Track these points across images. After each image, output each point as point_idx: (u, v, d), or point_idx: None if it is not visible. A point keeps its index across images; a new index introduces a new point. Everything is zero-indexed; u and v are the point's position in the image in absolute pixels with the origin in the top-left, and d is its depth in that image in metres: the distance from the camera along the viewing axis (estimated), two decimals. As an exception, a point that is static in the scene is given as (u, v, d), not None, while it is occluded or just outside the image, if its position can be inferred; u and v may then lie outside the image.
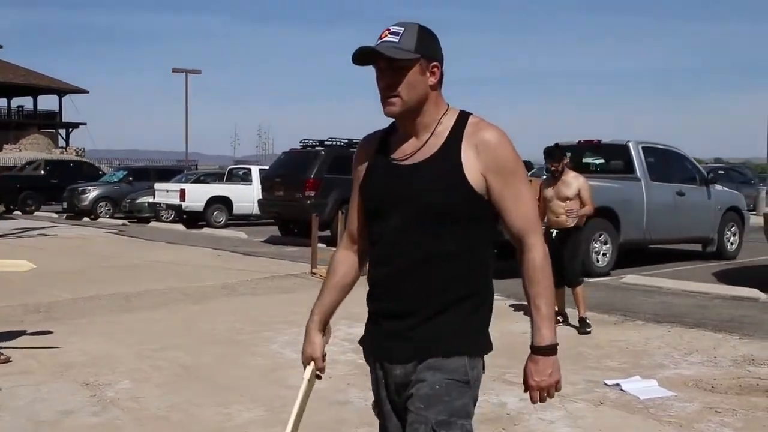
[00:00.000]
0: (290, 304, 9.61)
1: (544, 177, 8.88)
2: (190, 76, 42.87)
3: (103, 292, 10.44)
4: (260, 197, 19.76)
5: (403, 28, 2.45)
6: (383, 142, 2.61)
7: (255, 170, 24.12)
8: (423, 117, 2.49)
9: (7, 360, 6.77)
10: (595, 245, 12.23)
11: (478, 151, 2.42)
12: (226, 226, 22.47)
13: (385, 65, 2.43)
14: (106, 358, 7.00)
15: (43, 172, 30.69)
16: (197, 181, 24.94)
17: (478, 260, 2.50)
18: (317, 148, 18.45)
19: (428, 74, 2.46)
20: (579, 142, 14.13)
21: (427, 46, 2.45)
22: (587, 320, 8.19)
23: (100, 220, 25.05)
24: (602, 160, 14.08)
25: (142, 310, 9.32)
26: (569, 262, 8.37)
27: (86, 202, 25.87)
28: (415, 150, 2.49)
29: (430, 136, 2.48)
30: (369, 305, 2.61)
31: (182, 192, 22.68)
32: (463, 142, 2.44)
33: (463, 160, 2.42)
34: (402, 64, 2.42)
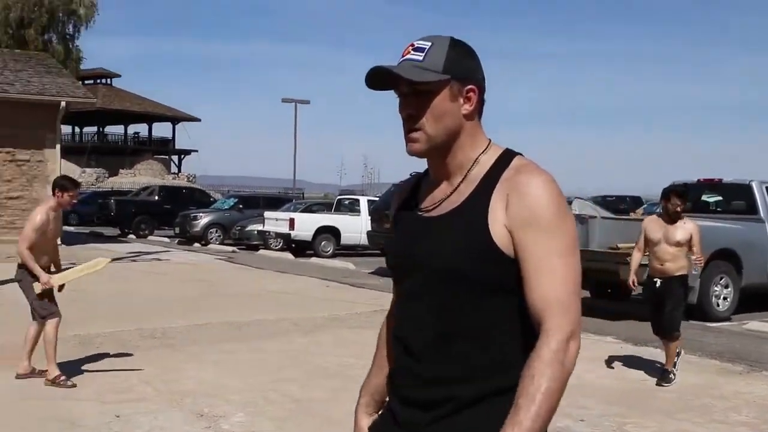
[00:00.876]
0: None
1: (656, 213, 8.33)
2: (299, 105, 43.51)
3: (216, 320, 10.56)
4: (369, 228, 19.81)
5: (430, 43, 1.96)
6: (416, 187, 2.14)
7: (363, 201, 24.25)
8: (455, 156, 1.98)
9: (73, 385, 6.93)
10: (716, 288, 11.76)
11: (508, 199, 1.87)
12: (333, 256, 22.59)
13: (407, 90, 1.95)
14: (219, 388, 7.03)
15: (157, 197, 31.57)
16: (306, 210, 25.20)
17: (517, 342, 1.89)
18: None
19: (462, 100, 1.95)
20: (698, 180, 13.77)
21: (460, 64, 1.95)
22: (671, 374, 7.62)
23: (210, 246, 25.54)
24: (722, 199, 13.65)
25: (253, 340, 9.37)
26: (671, 312, 7.65)
27: (197, 228, 26.41)
28: (444, 197, 1.99)
29: (462, 181, 1.97)
30: (386, 384, 2.16)
31: (291, 221, 22.93)
32: (495, 189, 1.90)
33: (489, 212, 1.88)
34: (426, 87, 1.92)
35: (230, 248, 24.67)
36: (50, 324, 7.01)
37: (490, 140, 2.03)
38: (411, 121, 1.96)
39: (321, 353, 8.71)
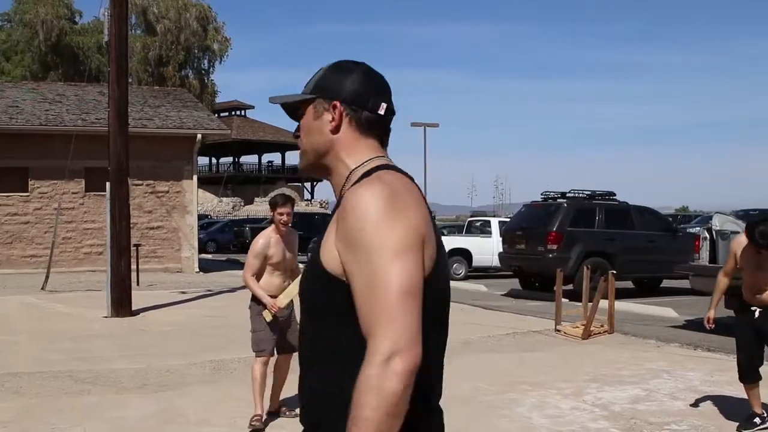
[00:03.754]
0: (534, 364, 9.28)
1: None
2: (428, 129, 43.60)
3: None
4: (500, 250, 19.56)
5: (319, 69, 2.04)
6: None
7: (494, 222, 24.00)
8: (335, 173, 1.97)
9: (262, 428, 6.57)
10: None
11: (337, 218, 1.81)
12: (465, 278, 22.40)
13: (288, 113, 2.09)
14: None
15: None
16: (436, 232, 25.16)
17: (350, 372, 1.71)
18: (559, 200, 18.01)
19: (326, 115, 1.93)
20: None
21: (331, 82, 1.94)
22: (757, 419, 6.67)
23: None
24: None
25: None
26: None
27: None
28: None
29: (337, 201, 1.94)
30: None
31: (422, 244, 22.87)
32: (337, 209, 1.85)
33: (326, 235, 1.85)
34: (292, 108, 2.03)
35: (362, 273, 24.82)
36: (258, 362, 6.63)
37: (375, 157, 1.94)
38: (298, 141, 2.03)
39: (453, 378, 8.52)
